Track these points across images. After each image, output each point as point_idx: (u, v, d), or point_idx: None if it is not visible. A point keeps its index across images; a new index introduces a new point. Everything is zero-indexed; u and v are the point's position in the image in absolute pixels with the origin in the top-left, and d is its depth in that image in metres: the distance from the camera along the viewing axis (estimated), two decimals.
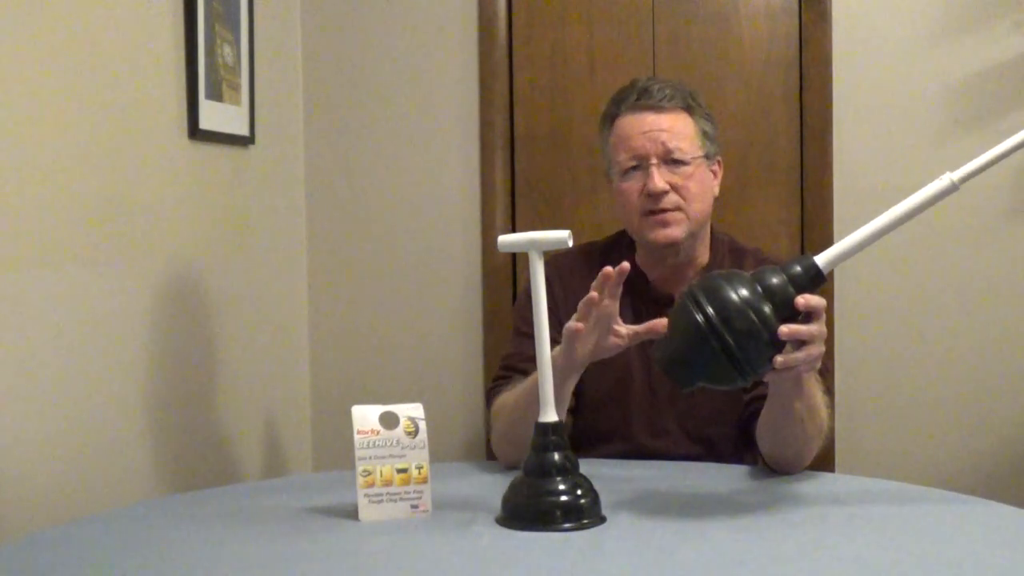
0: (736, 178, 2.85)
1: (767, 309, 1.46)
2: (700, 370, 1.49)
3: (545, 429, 1.55)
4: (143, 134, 2.21)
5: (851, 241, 1.52)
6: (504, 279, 2.95)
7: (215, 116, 2.44)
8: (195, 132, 2.37)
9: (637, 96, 1.95)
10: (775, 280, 1.49)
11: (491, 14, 2.92)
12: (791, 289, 1.49)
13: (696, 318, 1.46)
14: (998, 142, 2.98)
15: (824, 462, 2.71)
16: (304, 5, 2.98)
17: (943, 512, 1.59)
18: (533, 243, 1.57)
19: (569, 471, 1.54)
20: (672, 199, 1.92)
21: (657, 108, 1.94)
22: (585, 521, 1.52)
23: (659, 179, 1.91)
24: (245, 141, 2.62)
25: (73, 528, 1.60)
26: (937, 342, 2.81)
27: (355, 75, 2.98)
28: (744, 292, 1.46)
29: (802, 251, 2.82)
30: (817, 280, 1.50)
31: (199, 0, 2.36)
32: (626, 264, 1.67)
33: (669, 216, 1.93)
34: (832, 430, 1.82)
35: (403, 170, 2.98)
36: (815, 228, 2.81)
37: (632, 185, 1.94)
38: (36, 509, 1.87)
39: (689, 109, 1.96)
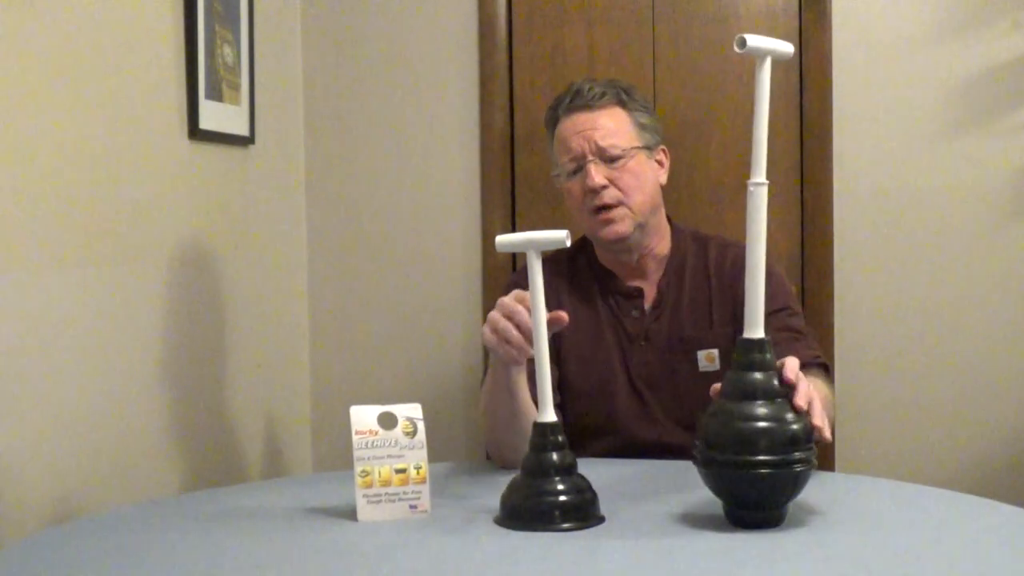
0: (736, 178, 2.85)
1: (784, 408, 1.46)
2: (790, 496, 1.49)
3: (544, 429, 1.55)
4: (143, 134, 2.21)
5: (753, 297, 1.49)
6: (504, 279, 2.94)
7: (215, 116, 2.44)
8: (195, 132, 2.37)
9: (571, 99, 2.05)
10: (757, 376, 1.47)
11: (491, 14, 2.92)
12: (773, 378, 1.48)
13: (762, 472, 1.43)
14: (998, 142, 2.98)
15: (824, 462, 2.71)
16: (304, 5, 2.98)
17: (943, 512, 1.59)
18: (531, 243, 1.57)
19: (568, 471, 1.54)
20: (612, 194, 2.00)
21: (589, 107, 2.03)
22: (584, 521, 1.52)
23: (596, 175, 2.00)
24: (245, 141, 2.62)
25: (73, 528, 1.60)
26: (937, 342, 2.80)
27: (355, 75, 2.98)
28: (758, 411, 1.45)
29: (802, 251, 2.81)
30: (768, 347, 1.49)
31: (199, 0, 2.36)
32: (563, 315, 1.69)
33: (613, 213, 2.01)
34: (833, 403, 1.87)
35: (403, 170, 2.98)
36: (815, 228, 2.80)
37: (575, 185, 2.04)
38: (36, 510, 1.87)
39: (622, 103, 2.04)
